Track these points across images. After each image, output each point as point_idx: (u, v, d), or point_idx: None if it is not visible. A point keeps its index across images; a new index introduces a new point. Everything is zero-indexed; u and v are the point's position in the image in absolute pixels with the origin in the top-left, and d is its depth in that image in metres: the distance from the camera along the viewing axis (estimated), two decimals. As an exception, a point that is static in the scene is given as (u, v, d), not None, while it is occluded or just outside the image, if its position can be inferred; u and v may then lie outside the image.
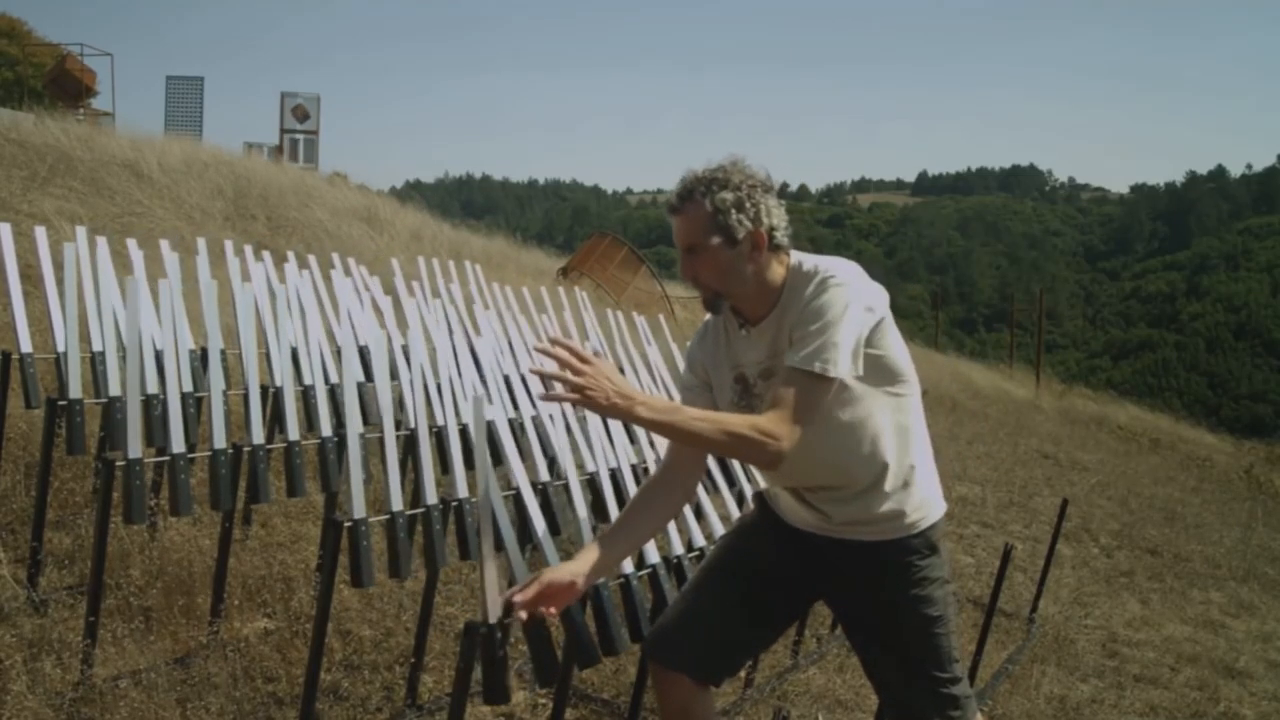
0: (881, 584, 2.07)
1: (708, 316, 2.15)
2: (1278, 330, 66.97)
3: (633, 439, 3.17)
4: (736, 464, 3.35)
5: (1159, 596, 5.82)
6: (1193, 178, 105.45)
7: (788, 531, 2.17)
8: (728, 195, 1.92)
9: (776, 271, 2.00)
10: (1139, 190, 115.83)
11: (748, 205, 1.93)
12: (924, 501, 2.07)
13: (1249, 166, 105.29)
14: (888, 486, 2.02)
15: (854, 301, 1.89)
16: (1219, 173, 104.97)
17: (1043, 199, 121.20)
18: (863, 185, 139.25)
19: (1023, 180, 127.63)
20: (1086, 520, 7.45)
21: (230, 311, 3.29)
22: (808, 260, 2.00)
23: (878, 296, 1.96)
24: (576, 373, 1.77)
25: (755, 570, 2.18)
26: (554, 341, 1.81)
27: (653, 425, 1.87)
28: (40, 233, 3.52)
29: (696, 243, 1.95)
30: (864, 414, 1.98)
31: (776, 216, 1.97)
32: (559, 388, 1.79)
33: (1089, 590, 5.63)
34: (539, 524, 2.49)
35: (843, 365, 1.86)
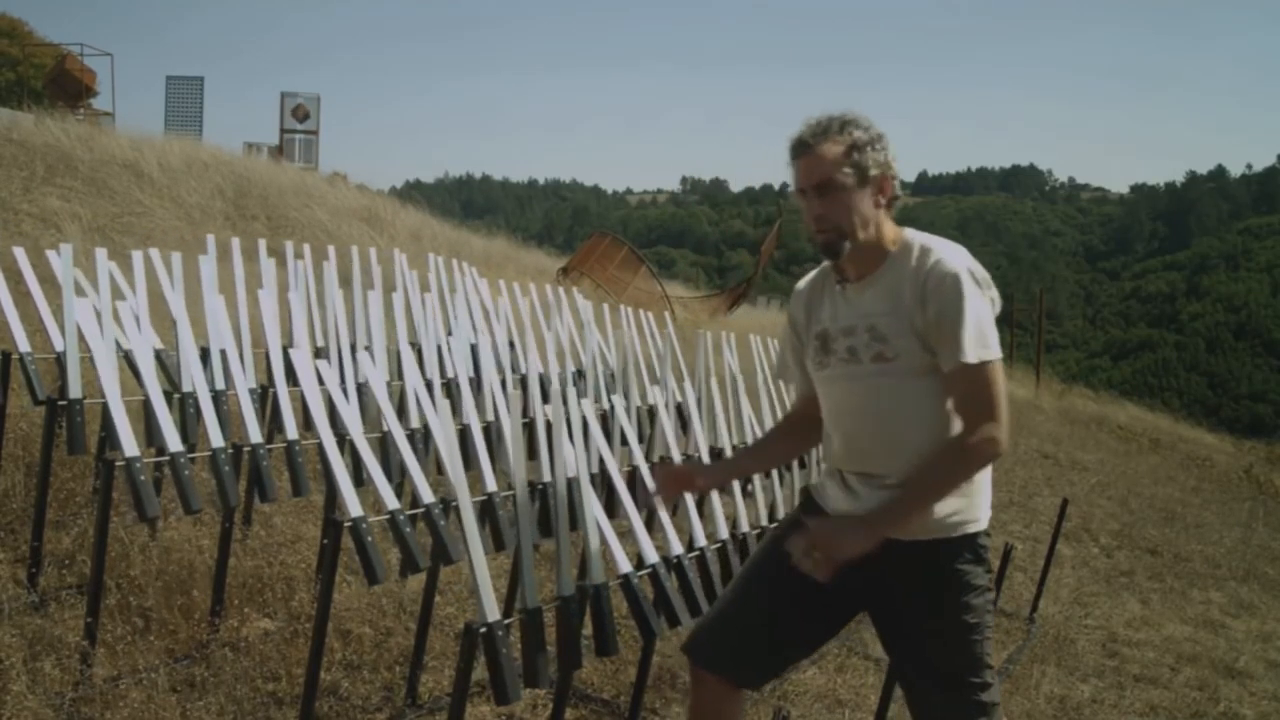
0: (920, 586, 2.06)
1: (808, 276, 2.20)
2: (1278, 330, 66.94)
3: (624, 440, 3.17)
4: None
5: (1159, 596, 5.82)
6: (1193, 178, 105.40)
7: None
8: (862, 134, 1.97)
9: (887, 231, 2.03)
10: (1139, 190, 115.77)
11: (879, 147, 1.98)
12: (970, 506, 2.05)
13: (1249, 166, 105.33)
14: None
15: (970, 283, 1.93)
16: (1219, 173, 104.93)
17: (1043, 199, 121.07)
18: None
19: (1023, 180, 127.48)
20: (1086, 520, 7.44)
21: (231, 312, 3.29)
22: (921, 236, 2.03)
23: (988, 280, 1.99)
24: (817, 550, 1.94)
25: (795, 574, 2.16)
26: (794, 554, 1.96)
27: (897, 521, 1.97)
28: (20, 253, 3.54)
29: (830, 178, 1.97)
30: (922, 393, 1.99)
31: (895, 169, 2.01)
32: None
33: (1089, 590, 5.62)
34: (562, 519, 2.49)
35: (993, 345, 1.92)
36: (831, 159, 1.96)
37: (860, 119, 2.00)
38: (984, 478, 2.08)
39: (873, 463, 2.07)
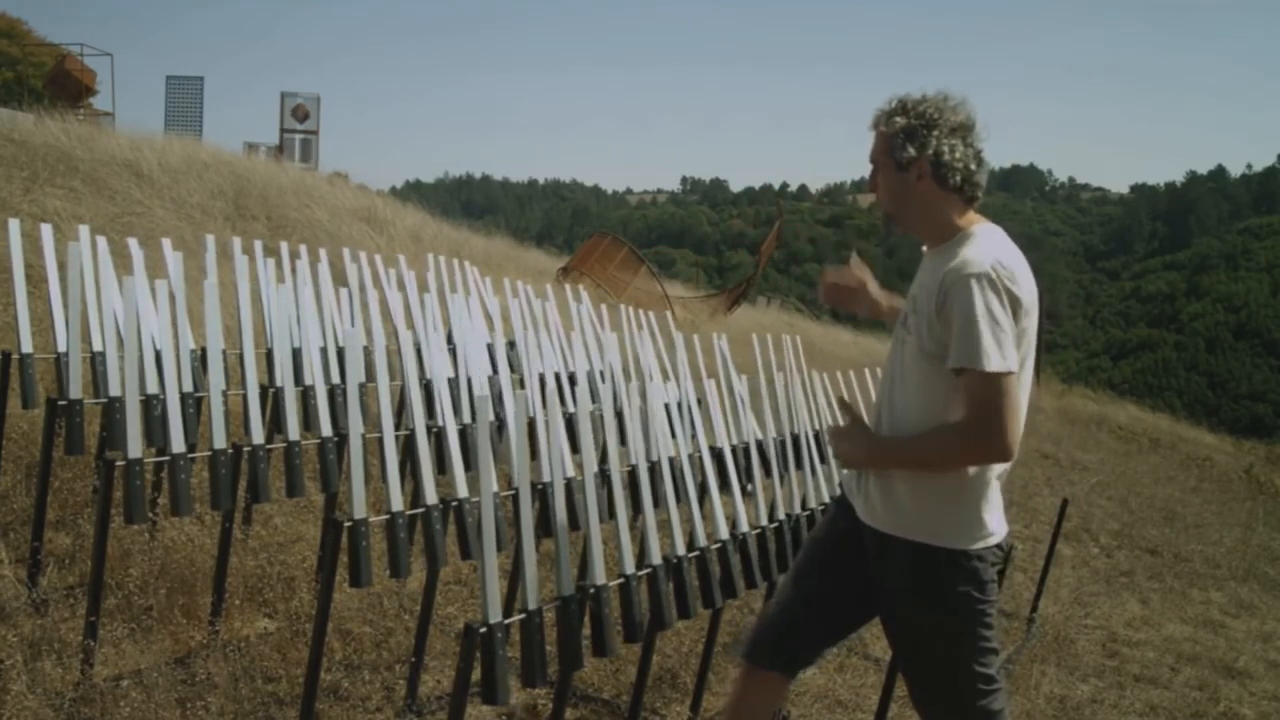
0: (901, 592, 2.08)
1: None
2: (1278, 330, 66.87)
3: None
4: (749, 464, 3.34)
5: (1159, 596, 5.82)
6: (1193, 178, 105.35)
7: (855, 526, 2.20)
8: (900, 121, 2.03)
9: (953, 213, 2.06)
10: (1139, 190, 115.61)
11: (919, 135, 2.02)
12: (953, 516, 2.03)
13: (1249, 166, 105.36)
14: (917, 477, 2.03)
15: (990, 294, 1.91)
16: (1219, 173, 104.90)
17: (1043, 199, 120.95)
18: (863, 185, 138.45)
19: (1023, 180, 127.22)
20: (1086, 520, 7.44)
21: (231, 311, 3.29)
22: (982, 230, 2.05)
23: (1023, 289, 1.96)
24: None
25: (834, 570, 2.24)
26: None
27: (882, 457, 2.08)
28: (46, 230, 3.52)
29: (875, 160, 2.09)
30: (923, 379, 2.01)
31: (949, 155, 2.02)
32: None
33: (1089, 590, 5.62)
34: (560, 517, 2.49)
35: (1000, 356, 1.88)
36: (876, 144, 2.07)
37: (912, 108, 2.03)
38: (977, 493, 2.04)
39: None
